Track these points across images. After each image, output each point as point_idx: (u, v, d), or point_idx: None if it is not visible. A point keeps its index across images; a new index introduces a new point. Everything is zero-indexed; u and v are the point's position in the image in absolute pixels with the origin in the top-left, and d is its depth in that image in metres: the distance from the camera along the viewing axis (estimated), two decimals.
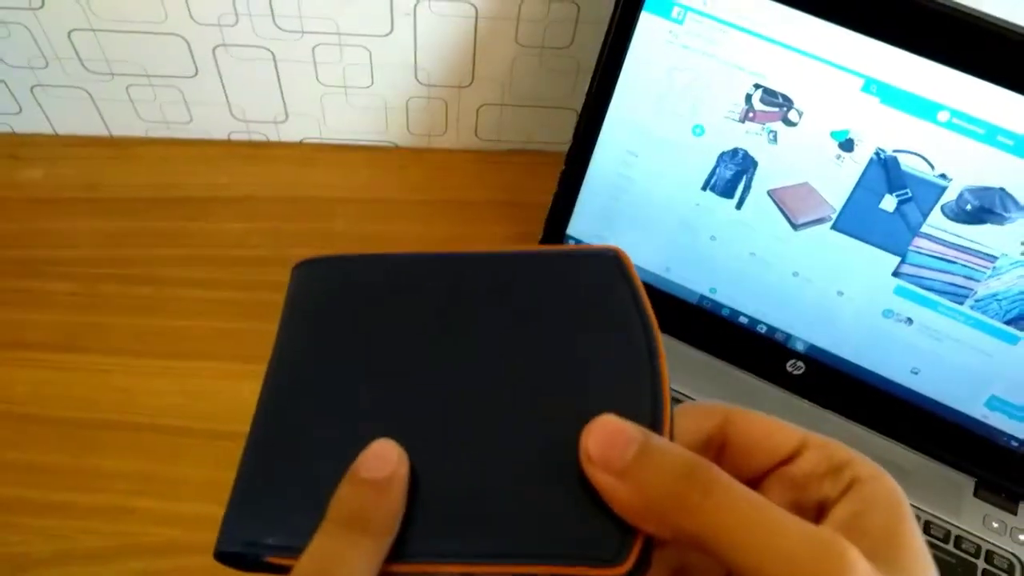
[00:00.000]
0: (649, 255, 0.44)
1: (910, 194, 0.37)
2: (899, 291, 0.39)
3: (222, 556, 0.19)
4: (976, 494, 0.42)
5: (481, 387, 0.19)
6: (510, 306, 0.20)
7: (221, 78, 0.52)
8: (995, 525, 0.41)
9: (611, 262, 0.20)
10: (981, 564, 0.39)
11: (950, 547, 0.40)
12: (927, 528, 0.40)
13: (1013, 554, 0.40)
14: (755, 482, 0.19)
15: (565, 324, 0.20)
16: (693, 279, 0.44)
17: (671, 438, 0.18)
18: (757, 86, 0.38)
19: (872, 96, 0.36)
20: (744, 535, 0.15)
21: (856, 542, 0.15)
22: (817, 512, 0.18)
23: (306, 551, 0.18)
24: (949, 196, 0.36)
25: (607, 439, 0.17)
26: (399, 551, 0.18)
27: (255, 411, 0.21)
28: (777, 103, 0.38)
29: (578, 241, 0.46)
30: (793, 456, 0.19)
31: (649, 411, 0.18)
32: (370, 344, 0.20)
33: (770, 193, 0.40)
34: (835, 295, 0.41)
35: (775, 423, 0.19)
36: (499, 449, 0.18)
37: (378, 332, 0.20)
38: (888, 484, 0.18)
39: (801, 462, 0.19)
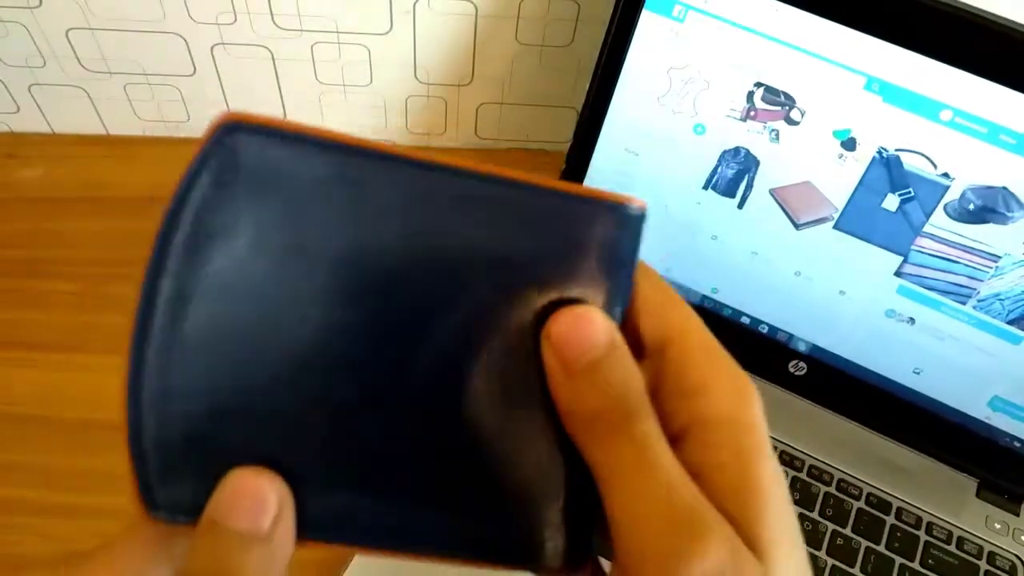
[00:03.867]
0: (650, 255, 0.44)
1: (912, 193, 0.37)
2: (901, 291, 0.39)
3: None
4: (978, 495, 0.42)
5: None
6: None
7: (219, 77, 0.51)
8: (997, 526, 0.40)
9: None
10: (983, 565, 0.39)
11: (952, 548, 0.39)
12: (929, 529, 0.40)
13: (1015, 555, 0.39)
14: None
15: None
16: (694, 279, 0.44)
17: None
18: (759, 84, 0.37)
19: (874, 95, 0.36)
20: (621, 486, 0.15)
21: (711, 497, 0.15)
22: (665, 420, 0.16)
23: None
24: (952, 195, 0.36)
25: (573, 330, 0.16)
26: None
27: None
28: (779, 102, 0.37)
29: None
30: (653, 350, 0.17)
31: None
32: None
33: (772, 192, 0.39)
34: (837, 295, 0.40)
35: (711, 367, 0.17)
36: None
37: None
38: (742, 435, 0.16)
39: (651, 364, 0.17)
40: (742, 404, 0.16)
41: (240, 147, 0.16)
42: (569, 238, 0.17)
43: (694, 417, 0.16)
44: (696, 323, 0.17)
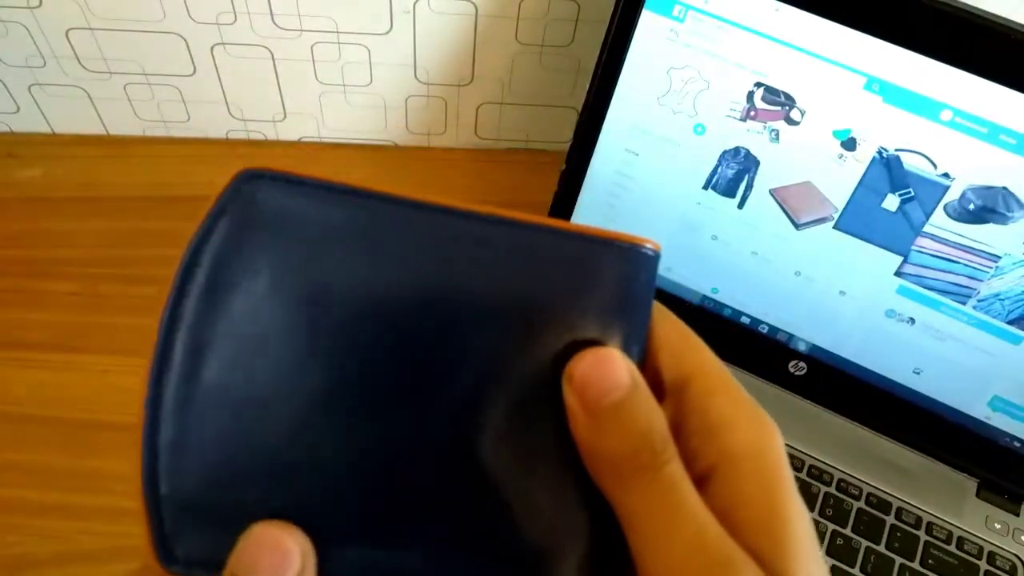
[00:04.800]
0: None
1: (913, 193, 0.37)
2: (901, 291, 0.39)
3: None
4: (978, 495, 0.42)
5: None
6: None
7: (219, 77, 0.51)
8: (997, 526, 0.40)
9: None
10: (983, 565, 0.39)
11: (952, 548, 0.39)
12: (929, 529, 0.40)
13: (1015, 555, 0.39)
14: None
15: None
16: (695, 279, 0.44)
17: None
18: (759, 84, 0.37)
19: (875, 95, 0.36)
20: (648, 527, 0.15)
21: (736, 534, 0.15)
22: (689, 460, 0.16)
23: None
24: (952, 195, 0.36)
25: (595, 371, 0.16)
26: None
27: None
28: (779, 102, 0.37)
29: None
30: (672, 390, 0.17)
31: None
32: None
33: (772, 192, 0.39)
34: (837, 295, 0.40)
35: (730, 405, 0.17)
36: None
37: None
38: (766, 470, 0.16)
39: (672, 404, 0.17)
40: (767, 439, 0.16)
41: (258, 195, 0.16)
42: (586, 280, 0.17)
43: (721, 454, 0.16)
44: (715, 361, 0.17)
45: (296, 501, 0.16)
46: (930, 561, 0.39)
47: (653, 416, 0.16)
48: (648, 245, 0.17)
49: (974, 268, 0.37)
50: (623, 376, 0.16)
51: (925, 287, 0.38)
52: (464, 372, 0.16)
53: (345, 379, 0.16)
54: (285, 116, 0.54)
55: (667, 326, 0.17)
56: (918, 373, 0.41)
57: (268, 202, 0.16)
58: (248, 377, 0.16)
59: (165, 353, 0.16)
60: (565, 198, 0.44)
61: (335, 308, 0.16)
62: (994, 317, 0.38)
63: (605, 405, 0.15)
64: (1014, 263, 0.36)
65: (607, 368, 0.16)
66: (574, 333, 0.16)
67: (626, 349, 0.17)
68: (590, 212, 0.44)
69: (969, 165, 0.35)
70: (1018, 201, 0.35)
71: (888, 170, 0.37)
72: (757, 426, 0.16)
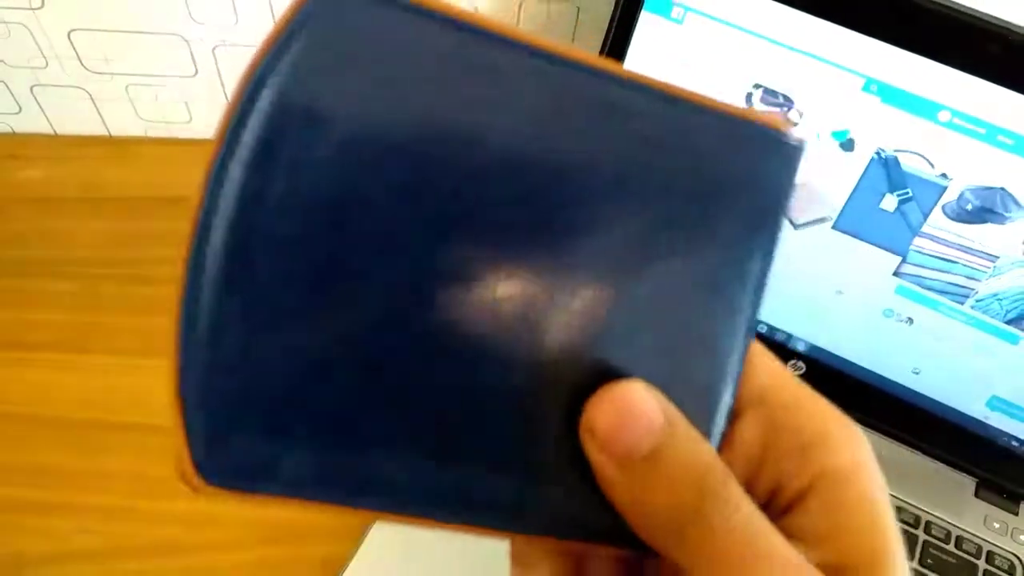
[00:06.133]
0: None
1: (911, 194, 0.37)
2: (900, 291, 0.39)
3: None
4: (977, 494, 0.42)
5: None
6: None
7: (221, 77, 0.52)
8: (996, 525, 0.40)
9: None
10: (982, 565, 0.39)
11: (951, 547, 0.39)
12: (928, 528, 0.40)
13: (1014, 554, 0.40)
14: None
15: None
16: None
17: (718, 442, 0.14)
18: (757, 86, 0.38)
19: (873, 96, 0.36)
20: (723, 570, 0.13)
21: (841, 562, 0.13)
22: (770, 495, 0.14)
23: None
24: (950, 196, 0.36)
25: (620, 419, 0.13)
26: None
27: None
28: (778, 103, 0.38)
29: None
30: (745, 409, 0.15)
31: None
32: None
33: None
34: (836, 295, 0.41)
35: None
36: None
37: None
38: (867, 488, 0.14)
39: (747, 428, 0.14)
40: (864, 455, 0.14)
41: (347, 15, 0.13)
42: (720, 169, 0.14)
43: (817, 476, 0.14)
44: (785, 369, 0.15)
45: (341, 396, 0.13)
46: (929, 560, 0.39)
47: (702, 454, 0.13)
48: (792, 135, 0.14)
49: (972, 268, 0.37)
50: (655, 417, 0.13)
51: (923, 287, 0.39)
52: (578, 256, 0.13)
53: (424, 266, 0.13)
54: None
55: None
56: (916, 373, 0.41)
57: (353, 18, 0.12)
58: (308, 264, 0.13)
59: (216, 188, 0.13)
60: None
61: (424, 182, 0.13)
62: (992, 317, 0.38)
63: (641, 453, 0.13)
64: (1012, 263, 0.37)
65: (634, 414, 0.13)
66: (712, 236, 0.14)
67: (755, 269, 0.14)
68: None
69: (967, 165, 0.35)
70: (1016, 201, 0.35)
71: (886, 170, 0.37)
72: (854, 440, 0.14)
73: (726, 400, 0.14)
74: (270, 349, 0.13)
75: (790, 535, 0.13)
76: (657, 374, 0.14)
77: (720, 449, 0.14)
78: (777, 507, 0.14)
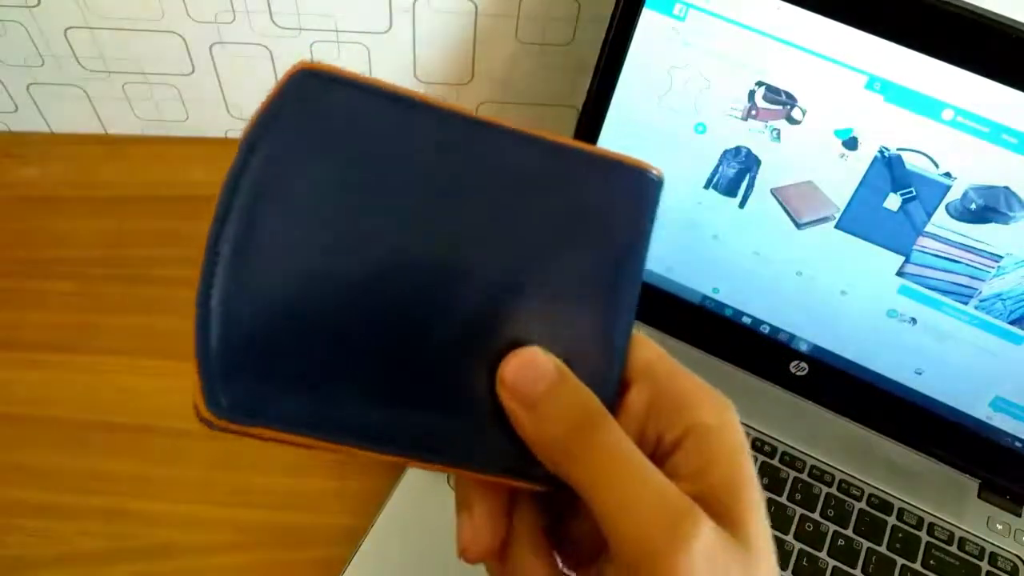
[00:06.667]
0: (651, 254, 0.44)
1: (914, 193, 0.37)
2: (903, 291, 0.39)
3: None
4: (980, 496, 0.41)
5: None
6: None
7: (218, 76, 0.51)
8: (999, 527, 0.40)
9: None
10: (984, 566, 0.39)
11: (953, 549, 0.39)
12: (931, 530, 0.40)
13: (1017, 556, 0.39)
14: None
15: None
16: (695, 279, 0.43)
17: (612, 400, 0.19)
18: (760, 83, 0.37)
19: (876, 94, 0.35)
20: (608, 491, 0.17)
21: (701, 500, 0.17)
22: (655, 446, 0.19)
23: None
24: (953, 195, 0.36)
25: (522, 370, 0.18)
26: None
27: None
28: (780, 101, 0.37)
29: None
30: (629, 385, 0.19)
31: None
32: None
33: (773, 192, 0.39)
34: (839, 295, 0.40)
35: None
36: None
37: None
38: (729, 438, 0.18)
39: (636, 394, 0.19)
40: (728, 413, 0.18)
41: (315, 94, 0.18)
42: (594, 201, 0.19)
43: (690, 426, 0.18)
44: (666, 354, 0.20)
45: (332, 355, 0.17)
46: (931, 562, 0.39)
47: (584, 395, 0.18)
48: (653, 171, 0.19)
49: (976, 268, 0.37)
50: (548, 368, 0.18)
51: (927, 287, 0.38)
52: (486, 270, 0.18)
53: (387, 261, 0.18)
54: None
55: None
56: (920, 373, 0.41)
57: (323, 101, 0.18)
58: (299, 249, 0.17)
59: (225, 216, 0.17)
60: None
61: (379, 200, 0.18)
62: (996, 317, 0.38)
63: (538, 395, 0.17)
64: (1016, 263, 0.36)
65: (532, 365, 0.18)
66: (594, 249, 0.19)
67: (627, 274, 0.19)
68: None
69: (971, 164, 0.35)
70: (1020, 201, 0.35)
71: (890, 169, 0.37)
72: (719, 402, 0.19)
73: (615, 370, 0.19)
74: (263, 323, 0.17)
75: (669, 474, 0.17)
76: (558, 347, 0.18)
77: (616, 408, 0.19)
78: (661, 453, 0.18)
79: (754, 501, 0.17)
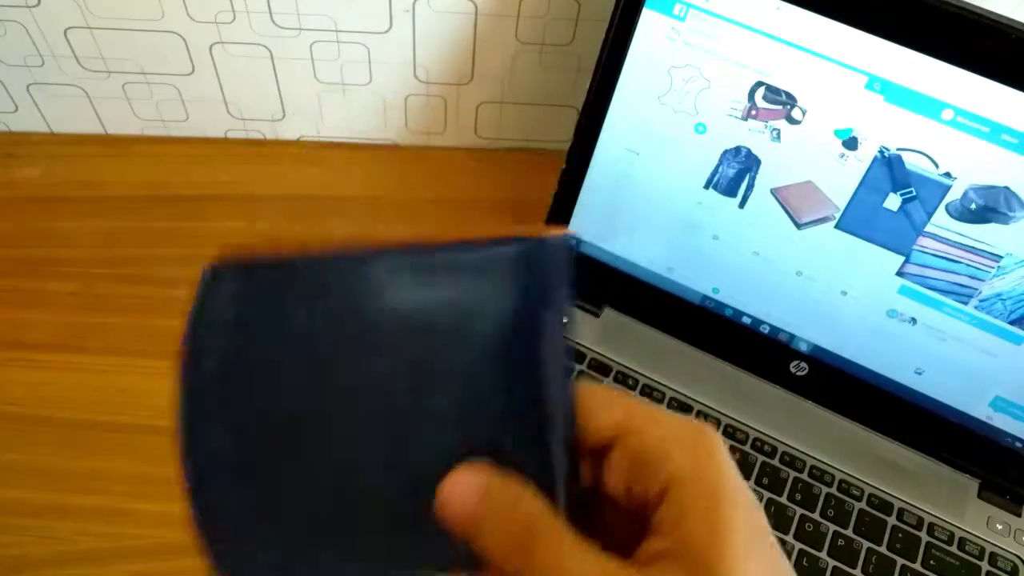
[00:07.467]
0: (651, 255, 0.44)
1: (914, 193, 0.37)
2: (903, 291, 0.39)
3: None
4: (980, 495, 0.41)
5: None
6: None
7: (218, 76, 0.51)
8: (999, 527, 0.40)
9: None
10: (984, 566, 0.39)
11: (953, 549, 0.39)
12: (931, 530, 0.40)
13: (1016, 556, 0.39)
14: None
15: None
16: (695, 279, 0.43)
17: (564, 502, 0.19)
18: (760, 83, 0.37)
19: (876, 94, 0.35)
20: None
21: (674, 554, 0.17)
22: (644, 501, 0.19)
23: None
24: (954, 195, 0.36)
25: (449, 495, 0.19)
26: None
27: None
28: (780, 101, 0.37)
29: (579, 240, 0.45)
30: (613, 443, 0.19)
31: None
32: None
33: (773, 192, 0.39)
34: (839, 295, 0.40)
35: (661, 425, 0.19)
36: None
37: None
38: (705, 488, 0.18)
39: (618, 453, 0.19)
40: (702, 458, 0.18)
41: (225, 292, 0.20)
42: (506, 279, 0.19)
43: (667, 478, 0.18)
44: (638, 405, 0.20)
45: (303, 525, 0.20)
46: (931, 562, 0.39)
47: (510, 509, 0.18)
48: (550, 237, 0.19)
49: (976, 268, 0.37)
50: (469, 494, 0.18)
51: (927, 287, 0.38)
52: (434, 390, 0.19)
53: (330, 420, 0.19)
54: (284, 115, 0.54)
55: (585, 391, 0.20)
56: (920, 373, 0.41)
57: (237, 294, 0.20)
58: (248, 435, 0.20)
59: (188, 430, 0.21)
60: (565, 198, 0.44)
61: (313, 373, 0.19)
62: (996, 317, 0.38)
63: (465, 525, 0.18)
64: (1016, 263, 0.36)
65: (456, 490, 0.19)
66: (510, 333, 0.19)
67: (543, 348, 0.19)
68: (590, 211, 0.44)
69: (971, 164, 0.35)
70: (1020, 201, 0.35)
71: (890, 169, 0.37)
72: (693, 447, 0.18)
73: (558, 452, 0.19)
74: (235, 506, 0.20)
75: (652, 530, 0.18)
76: (489, 453, 0.19)
77: (578, 481, 0.19)
78: (651, 508, 0.18)
79: (736, 546, 0.17)
